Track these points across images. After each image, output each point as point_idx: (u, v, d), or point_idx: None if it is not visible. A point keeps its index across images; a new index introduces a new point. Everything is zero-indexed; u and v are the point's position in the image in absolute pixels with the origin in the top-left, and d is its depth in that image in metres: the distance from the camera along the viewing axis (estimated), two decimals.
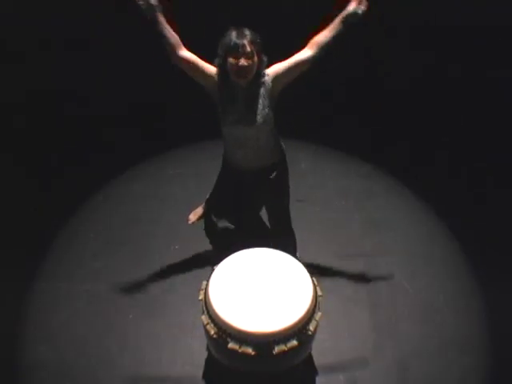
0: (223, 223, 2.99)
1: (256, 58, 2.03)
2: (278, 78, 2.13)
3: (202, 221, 3.04)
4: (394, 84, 4.15)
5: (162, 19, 2.00)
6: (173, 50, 2.06)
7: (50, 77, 4.16)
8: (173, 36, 2.05)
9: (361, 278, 2.77)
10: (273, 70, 2.14)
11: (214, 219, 3.01)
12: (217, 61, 2.10)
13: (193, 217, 2.97)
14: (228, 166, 2.49)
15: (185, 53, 2.10)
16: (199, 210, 3.00)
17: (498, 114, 3.92)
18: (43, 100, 4.02)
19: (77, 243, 3.00)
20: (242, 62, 2.00)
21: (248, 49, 1.99)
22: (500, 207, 3.20)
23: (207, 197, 2.89)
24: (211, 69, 2.14)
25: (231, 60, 2.02)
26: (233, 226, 2.95)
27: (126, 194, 3.34)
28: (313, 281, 2.01)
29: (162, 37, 2.03)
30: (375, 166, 3.53)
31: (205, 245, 2.93)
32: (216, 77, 2.13)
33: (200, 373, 2.36)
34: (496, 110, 3.96)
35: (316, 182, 3.42)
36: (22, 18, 4.24)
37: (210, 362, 2.37)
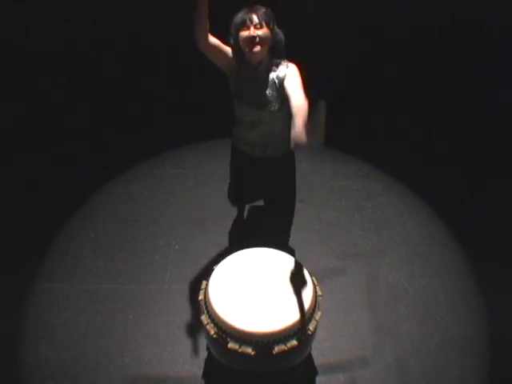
0: (223, 222, 3.00)
1: (267, 30, 2.02)
2: (286, 79, 2.08)
3: (202, 221, 3.03)
4: (393, 83, 4.15)
5: (206, 3, 1.98)
6: (204, 36, 2.06)
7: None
8: (206, 23, 2.04)
9: (361, 278, 2.77)
10: (289, 71, 2.09)
11: (215, 218, 3.01)
12: (231, 40, 2.11)
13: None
14: (236, 156, 2.45)
15: (212, 39, 2.10)
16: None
17: (500, 114, 3.92)
18: (45, 99, 4.03)
19: (77, 243, 3.00)
20: (252, 31, 2.00)
21: (256, 20, 2.00)
22: (500, 207, 3.20)
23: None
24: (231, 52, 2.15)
25: (242, 33, 2.02)
26: (232, 226, 2.95)
27: (126, 193, 3.34)
28: (313, 281, 2.01)
29: (198, 21, 2.00)
30: (375, 165, 3.53)
31: (205, 245, 2.93)
32: (233, 57, 2.14)
33: (200, 373, 2.35)
34: (498, 110, 3.96)
35: (316, 182, 3.42)
36: None
37: (209, 362, 2.36)
